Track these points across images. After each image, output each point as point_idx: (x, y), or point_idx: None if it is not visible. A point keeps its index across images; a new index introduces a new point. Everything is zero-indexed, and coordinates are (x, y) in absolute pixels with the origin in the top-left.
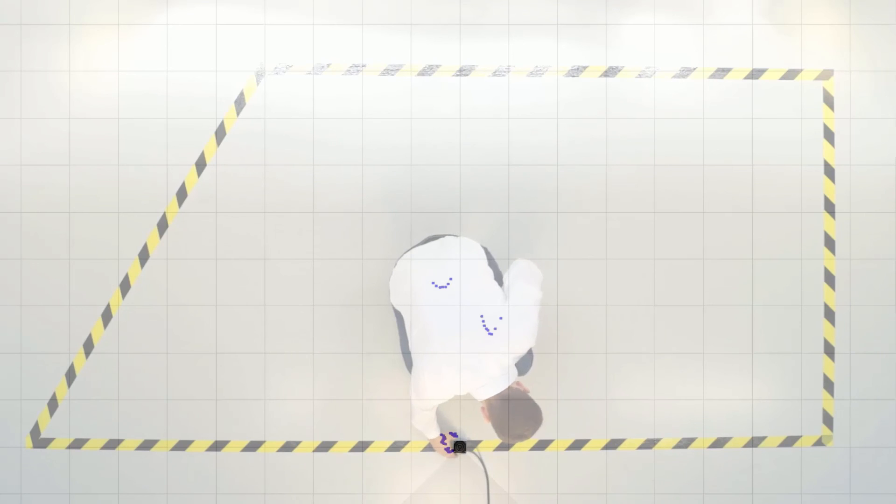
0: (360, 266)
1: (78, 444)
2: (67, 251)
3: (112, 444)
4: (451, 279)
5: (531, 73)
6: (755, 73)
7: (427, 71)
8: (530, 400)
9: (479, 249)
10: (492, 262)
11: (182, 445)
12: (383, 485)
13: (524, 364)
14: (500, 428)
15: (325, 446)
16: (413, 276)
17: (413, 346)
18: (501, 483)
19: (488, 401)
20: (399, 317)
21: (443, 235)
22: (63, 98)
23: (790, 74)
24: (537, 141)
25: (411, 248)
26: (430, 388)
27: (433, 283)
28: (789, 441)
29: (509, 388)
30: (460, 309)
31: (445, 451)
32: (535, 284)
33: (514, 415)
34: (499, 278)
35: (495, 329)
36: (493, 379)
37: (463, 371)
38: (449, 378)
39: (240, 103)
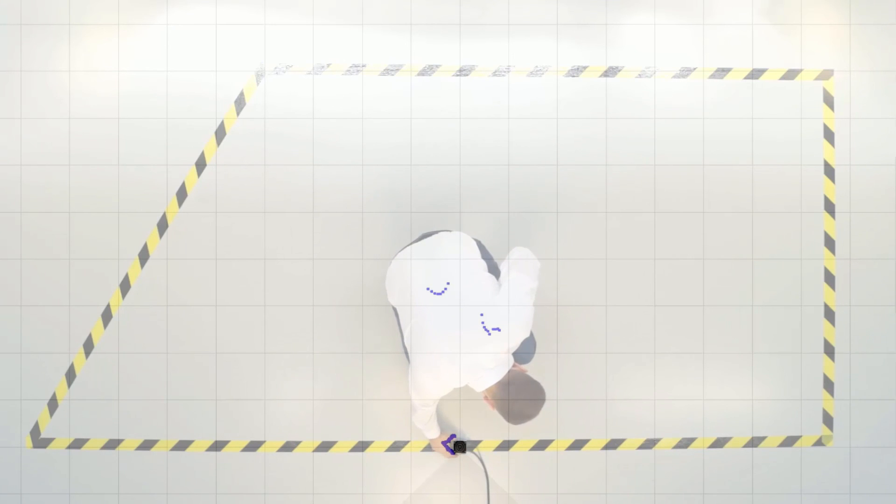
0: (360, 266)
1: (78, 444)
2: (67, 251)
3: (112, 444)
4: (448, 284)
5: (531, 73)
6: (755, 73)
7: (427, 71)
8: (530, 379)
9: (473, 245)
10: (485, 253)
11: (182, 445)
12: (383, 485)
13: (526, 353)
14: (505, 412)
15: (325, 446)
16: (407, 278)
17: (408, 344)
18: (501, 483)
19: (489, 389)
20: (397, 315)
21: (436, 231)
22: (63, 98)
23: (790, 74)
24: (537, 141)
25: (406, 247)
26: (427, 383)
27: (429, 289)
28: (789, 441)
29: (508, 372)
30: (460, 310)
31: (447, 451)
32: (531, 274)
33: (517, 397)
34: (493, 269)
35: (494, 329)
36: (490, 370)
37: (458, 364)
38: (446, 372)
39: (240, 103)
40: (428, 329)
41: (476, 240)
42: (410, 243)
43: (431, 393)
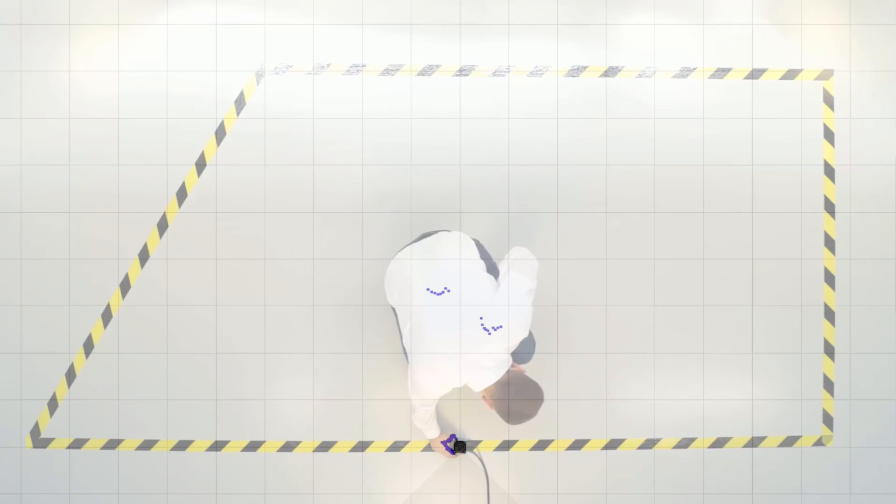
0: (360, 266)
1: (78, 444)
2: (67, 251)
3: (112, 444)
4: (447, 287)
5: (531, 73)
6: (755, 73)
7: (427, 71)
8: (528, 380)
9: (472, 245)
10: (483, 253)
11: (182, 445)
12: (383, 485)
13: (525, 352)
14: (503, 413)
15: (325, 446)
16: (407, 278)
17: (407, 344)
18: (501, 483)
19: (488, 389)
20: (396, 315)
21: (436, 231)
22: (63, 98)
23: (790, 74)
24: (537, 141)
25: (405, 247)
26: (426, 383)
27: (429, 289)
28: (789, 441)
29: (506, 372)
30: (460, 310)
31: (447, 451)
32: (529, 274)
33: (516, 397)
34: (492, 269)
35: (494, 329)
36: (488, 369)
37: (457, 364)
38: (445, 372)
39: (240, 103)
40: (427, 329)
41: (474, 240)
42: (410, 243)
43: (430, 392)
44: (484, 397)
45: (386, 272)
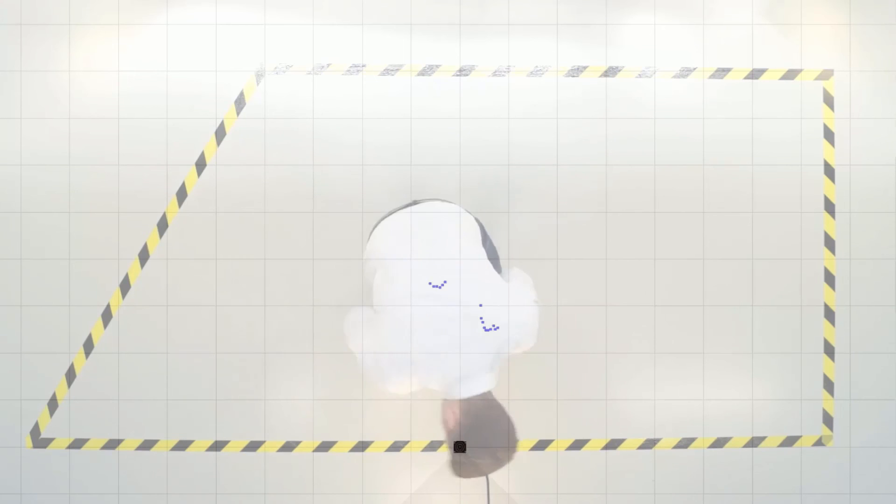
0: (360, 266)
1: (78, 444)
2: (67, 251)
3: (112, 444)
4: (445, 282)
5: (531, 73)
6: (755, 73)
7: (427, 71)
8: (502, 411)
9: (473, 227)
10: (486, 239)
11: (182, 445)
12: (383, 485)
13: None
14: (481, 444)
15: (325, 446)
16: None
17: (385, 337)
18: (501, 483)
19: (453, 407)
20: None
21: (425, 200)
22: (63, 98)
23: (790, 74)
24: (537, 141)
25: (388, 216)
26: (397, 382)
27: (429, 283)
28: (789, 441)
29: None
30: (460, 310)
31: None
32: (530, 286)
33: (492, 428)
34: (493, 259)
35: (494, 327)
36: (481, 368)
37: (450, 364)
38: (426, 374)
39: (240, 103)
40: (416, 325)
41: (478, 221)
42: (395, 211)
43: (397, 391)
44: (449, 408)
45: (371, 237)
